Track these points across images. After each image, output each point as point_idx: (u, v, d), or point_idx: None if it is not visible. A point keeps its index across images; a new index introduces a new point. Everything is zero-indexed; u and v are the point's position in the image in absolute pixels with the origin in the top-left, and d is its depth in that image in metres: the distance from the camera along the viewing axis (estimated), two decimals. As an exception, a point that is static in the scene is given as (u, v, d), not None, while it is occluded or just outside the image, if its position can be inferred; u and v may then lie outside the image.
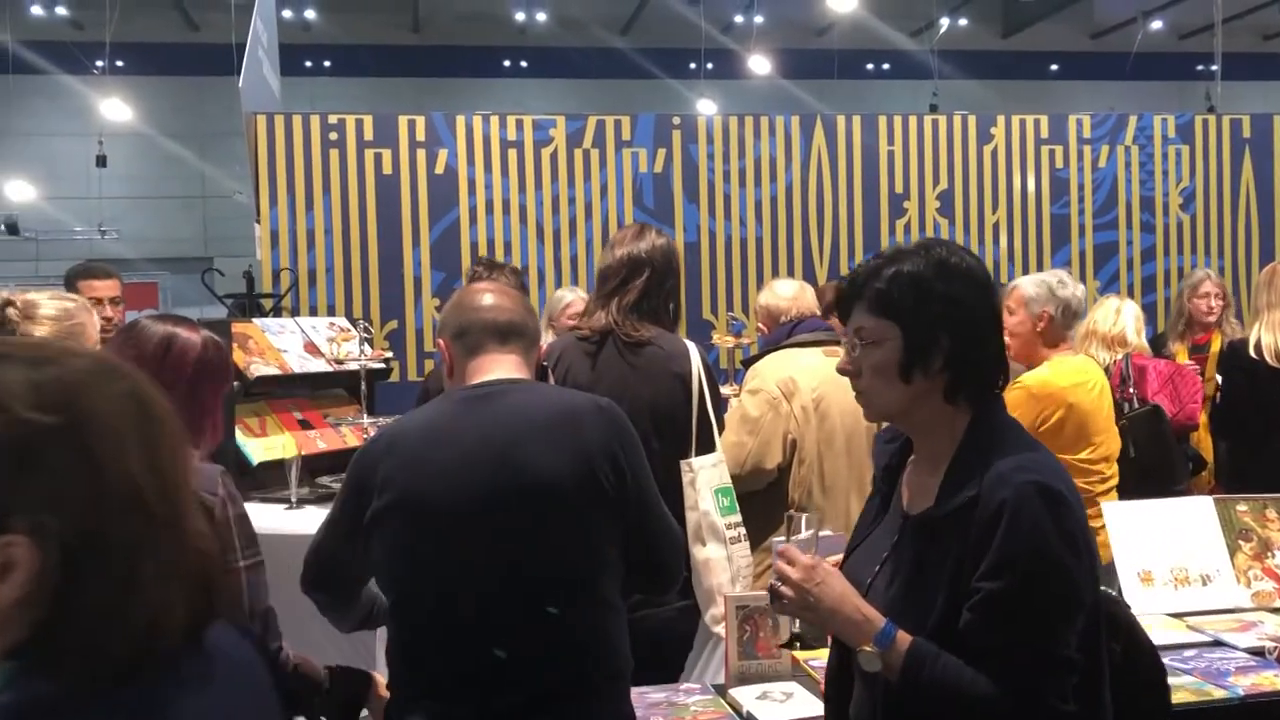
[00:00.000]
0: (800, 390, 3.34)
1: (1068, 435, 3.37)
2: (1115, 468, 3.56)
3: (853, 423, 3.40)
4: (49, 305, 2.72)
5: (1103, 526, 3.12)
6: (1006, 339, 3.39)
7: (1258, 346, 4.05)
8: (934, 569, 1.61)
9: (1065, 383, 3.41)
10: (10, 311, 2.66)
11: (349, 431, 4.06)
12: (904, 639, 1.60)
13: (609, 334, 2.94)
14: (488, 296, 2.12)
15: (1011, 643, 1.55)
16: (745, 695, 2.47)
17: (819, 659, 2.68)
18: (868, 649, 1.61)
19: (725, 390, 3.79)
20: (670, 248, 3.08)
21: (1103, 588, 1.71)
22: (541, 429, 1.98)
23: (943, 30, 17.99)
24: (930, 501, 1.66)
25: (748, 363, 3.66)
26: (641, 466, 2.07)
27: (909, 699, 1.61)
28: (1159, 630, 2.85)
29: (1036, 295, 3.43)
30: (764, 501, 3.19)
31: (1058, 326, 3.46)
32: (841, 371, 1.73)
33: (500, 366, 2.06)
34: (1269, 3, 16.95)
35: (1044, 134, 5.88)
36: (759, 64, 16.14)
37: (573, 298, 4.24)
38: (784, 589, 1.68)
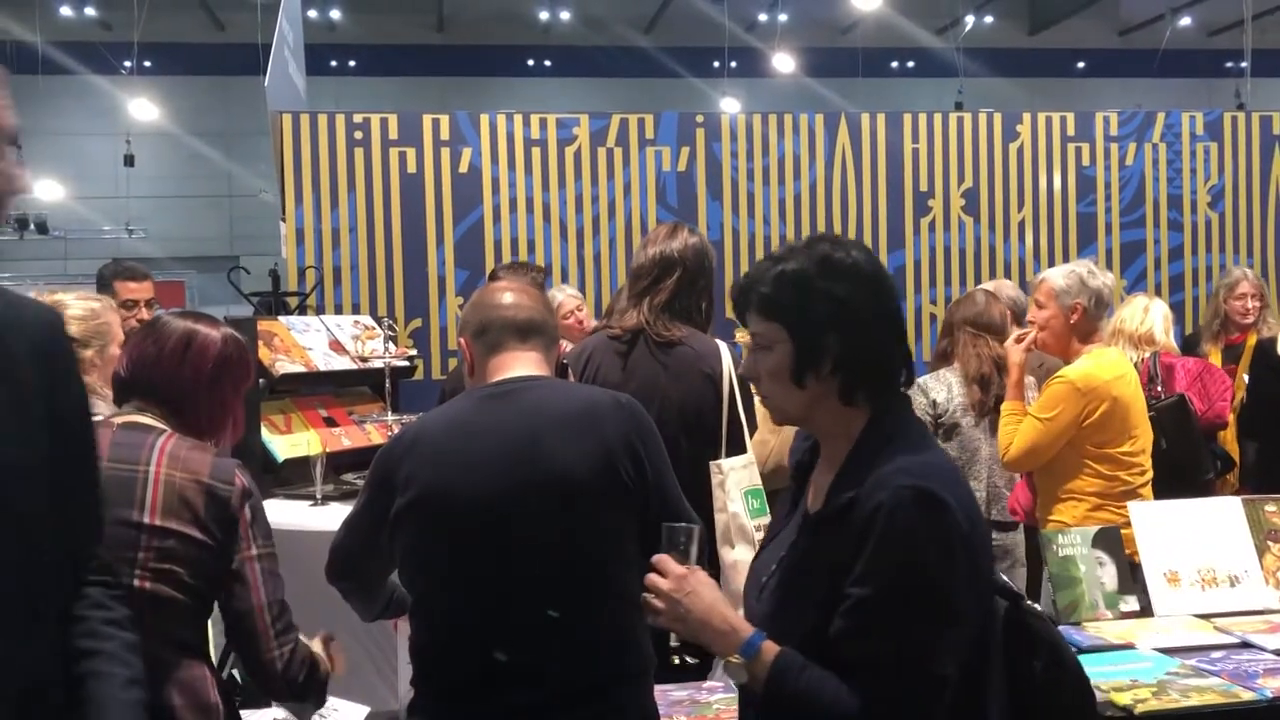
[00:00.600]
0: None
1: (1113, 429, 3.33)
2: (1150, 460, 3.53)
3: None
4: (76, 305, 2.75)
5: (1127, 524, 3.11)
6: (1038, 333, 3.37)
7: (1287, 345, 4.03)
8: (814, 573, 1.56)
9: (1109, 375, 3.37)
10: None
11: (373, 429, 4.08)
12: (770, 650, 1.55)
13: (640, 333, 2.94)
14: (508, 295, 2.14)
15: (877, 655, 1.48)
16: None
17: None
18: (734, 660, 1.57)
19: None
20: (703, 247, 3.07)
21: (1032, 603, 1.65)
22: (561, 424, 1.99)
23: (968, 27, 17.88)
24: (822, 503, 1.62)
25: None
26: (662, 461, 2.08)
27: (774, 712, 1.57)
28: (1185, 631, 2.82)
29: (1067, 287, 3.35)
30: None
31: (1090, 318, 3.40)
32: (743, 376, 1.70)
33: (521, 364, 2.07)
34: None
35: (1070, 132, 5.84)
36: (783, 62, 16.10)
37: (563, 297, 4.21)
38: (655, 601, 1.64)
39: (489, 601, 1.94)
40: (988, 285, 4.67)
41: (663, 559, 1.66)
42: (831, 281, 1.59)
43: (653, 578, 1.65)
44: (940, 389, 3.93)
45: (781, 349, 1.61)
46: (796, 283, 1.60)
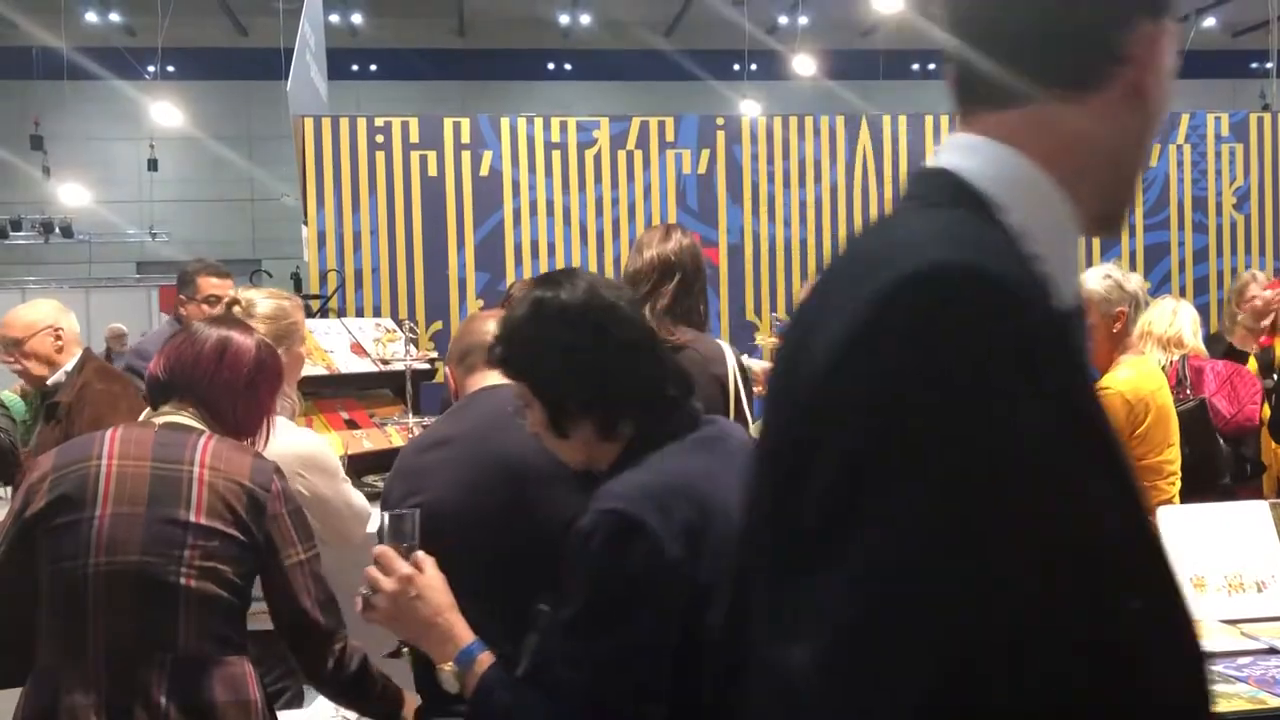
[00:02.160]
0: None
1: (1156, 438, 3.28)
2: (1179, 466, 3.49)
3: None
4: (265, 304, 2.80)
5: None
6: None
7: (1310, 349, 3.99)
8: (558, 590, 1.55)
9: (1154, 385, 3.31)
10: (236, 310, 2.79)
11: (395, 431, 4.09)
12: (484, 662, 1.54)
13: None
14: (489, 323, 2.22)
15: (564, 679, 1.46)
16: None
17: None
18: (447, 668, 1.55)
19: (759, 391, 3.78)
20: (696, 248, 3.07)
21: None
22: (506, 416, 2.06)
23: (990, 29, 17.77)
24: None
25: None
26: None
27: None
28: (1213, 637, 2.80)
29: (1109, 295, 3.23)
30: None
31: (1131, 324, 3.34)
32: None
33: (492, 377, 2.13)
34: (1326, -2, 16.61)
35: (1094, 133, 5.79)
36: (803, 65, 16.06)
37: None
38: (375, 599, 1.59)
39: (471, 600, 1.95)
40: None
41: (387, 553, 1.62)
42: (545, 329, 1.56)
43: (373, 573, 1.61)
44: None
45: (535, 405, 1.60)
46: (517, 338, 1.59)
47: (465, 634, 1.57)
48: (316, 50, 6.14)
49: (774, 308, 5.43)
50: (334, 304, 5.16)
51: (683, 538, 1.44)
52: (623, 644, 1.44)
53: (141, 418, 2.15)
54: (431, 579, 1.62)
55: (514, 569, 1.91)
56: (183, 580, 1.88)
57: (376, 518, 2.17)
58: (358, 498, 2.62)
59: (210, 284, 4.00)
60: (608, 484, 1.53)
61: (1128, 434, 3.20)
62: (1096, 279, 3.28)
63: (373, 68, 20.67)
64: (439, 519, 1.88)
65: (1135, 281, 3.31)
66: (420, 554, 1.64)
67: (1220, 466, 3.81)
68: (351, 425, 4.10)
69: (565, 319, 1.57)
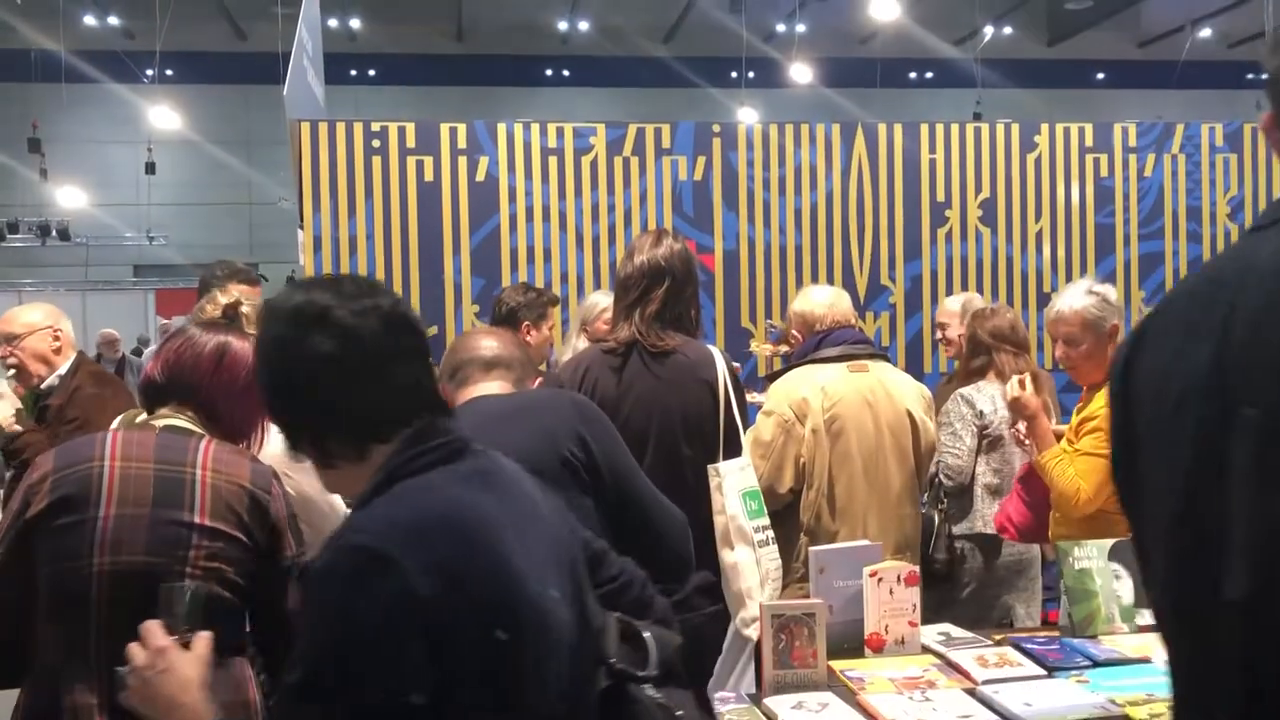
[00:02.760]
0: (813, 411, 3.32)
1: None
2: None
3: (874, 441, 3.36)
4: (249, 306, 2.86)
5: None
6: (1072, 367, 3.23)
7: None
8: None
9: None
10: (244, 309, 2.81)
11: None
12: None
13: (634, 345, 2.94)
14: (479, 339, 2.32)
15: None
16: (780, 705, 2.46)
17: (856, 669, 2.67)
18: None
19: (757, 398, 3.78)
20: (688, 253, 3.07)
21: (646, 679, 1.46)
22: (500, 418, 2.10)
23: (987, 38, 17.85)
24: None
25: (770, 378, 3.64)
26: (614, 445, 2.18)
27: None
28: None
29: (1101, 312, 3.18)
30: (780, 524, 3.18)
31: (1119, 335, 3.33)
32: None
33: (482, 389, 2.19)
34: (1322, 10, 16.67)
35: (1089, 142, 5.81)
36: (800, 73, 16.11)
37: (607, 301, 4.25)
38: (128, 676, 1.54)
39: None
40: (960, 298, 4.63)
41: (149, 627, 1.58)
42: (262, 362, 1.47)
43: (133, 648, 1.56)
44: (985, 400, 3.90)
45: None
46: (257, 375, 1.51)
47: (207, 712, 1.53)
48: (314, 54, 6.15)
49: (769, 315, 5.43)
50: (329, 308, 5.16)
51: (437, 574, 1.28)
52: (359, 705, 1.26)
53: (137, 419, 2.16)
54: (184, 655, 1.56)
55: None
56: (187, 581, 1.89)
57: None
58: (338, 496, 2.63)
59: (243, 290, 3.71)
60: (353, 516, 1.40)
61: None
62: (1080, 298, 3.20)
63: (371, 73, 20.70)
64: None
65: (1113, 293, 3.30)
66: (198, 635, 1.59)
67: None
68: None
69: (265, 351, 1.46)
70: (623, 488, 2.16)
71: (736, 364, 3.84)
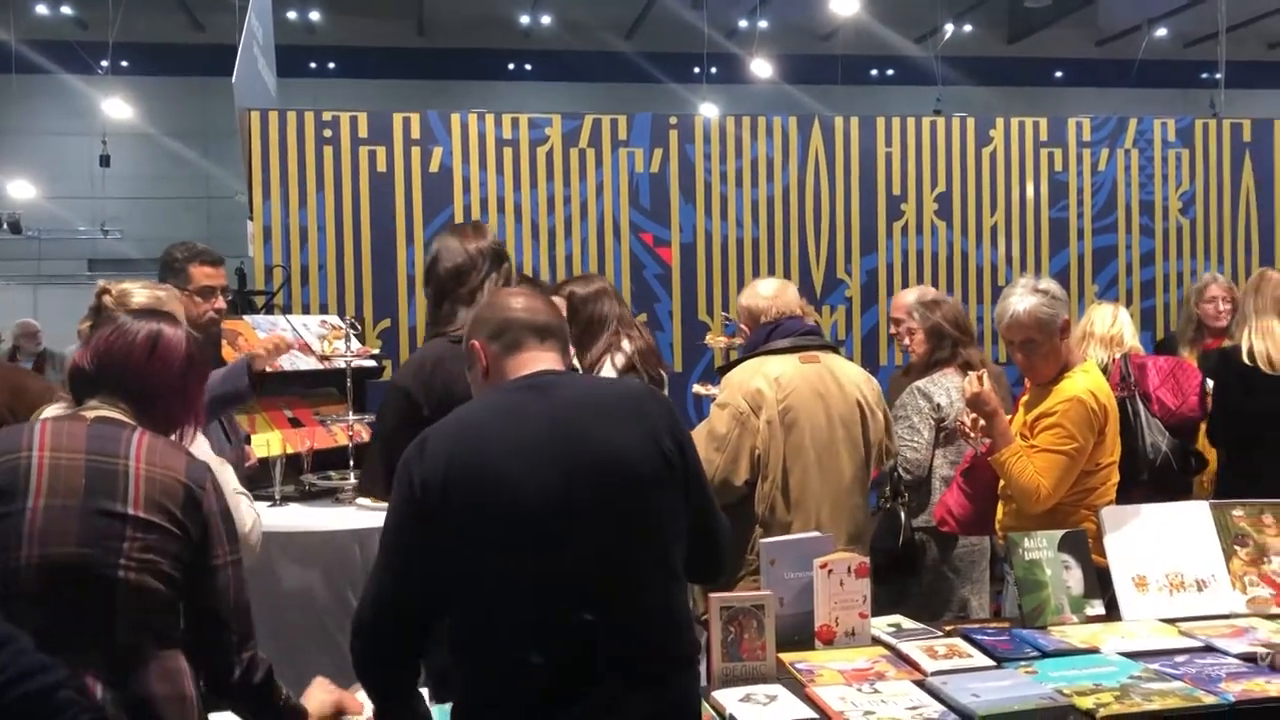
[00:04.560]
0: (768, 402, 3.30)
1: (1109, 441, 3.28)
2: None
3: (825, 432, 3.36)
4: (141, 294, 2.76)
5: (1094, 528, 3.09)
6: (1030, 368, 3.22)
7: (1250, 353, 4.03)
8: None
9: (1107, 389, 3.32)
10: (106, 299, 2.74)
11: (339, 429, 4.03)
12: None
13: None
14: (520, 299, 2.17)
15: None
16: (728, 697, 2.44)
17: (806, 661, 2.65)
18: None
19: (710, 390, 3.76)
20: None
21: None
22: (608, 410, 2.00)
23: (947, 36, 17.95)
24: None
25: (722, 370, 3.62)
26: (694, 448, 2.11)
27: None
28: (1150, 635, 2.81)
29: (1052, 310, 3.16)
30: (734, 516, 3.16)
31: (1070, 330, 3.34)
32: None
33: (543, 361, 2.08)
34: (1273, 11, 16.91)
35: (1043, 137, 5.85)
36: (761, 68, 16.13)
37: None
38: None
39: (558, 590, 1.89)
40: (913, 291, 4.62)
41: None
42: None
43: None
44: (941, 393, 3.90)
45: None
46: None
47: None
48: (265, 43, 6.06)
49: (726, 307, 5.42)
50: (279, 300, 5.09)
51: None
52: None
53: (58, 410, 2.09)
54: None
55: (591, 565, 1.90)
56: (120, 573, 1.87)
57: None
58: (248, 512, 2.56)
59: (204, 273, 3.51)
60: None
61: (1092, 441, 3.18)
62: (1030, 299, 3.18)
63: (330, 66, 20.49)
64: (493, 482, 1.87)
65: (1057, 287, 3.29)
66: None
67: (1139, 463, 3.83)
68: (295, 423, 4.04)
69: None
70: (700, 488, 2.12)
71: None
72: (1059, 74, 20.05)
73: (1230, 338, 4.43)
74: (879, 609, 3.00)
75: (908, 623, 2.94)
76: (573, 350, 2.59)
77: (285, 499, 3.49)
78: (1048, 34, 19.12)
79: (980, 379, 3.24)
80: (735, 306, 3.77)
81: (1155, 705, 2.37)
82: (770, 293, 3.55)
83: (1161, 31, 18.41)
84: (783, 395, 3.32)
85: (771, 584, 2.78)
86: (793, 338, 3.43)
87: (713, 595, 2.61)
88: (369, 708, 2.12)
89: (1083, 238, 5.86)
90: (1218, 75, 14.32)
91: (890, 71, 20.07)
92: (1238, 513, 3.14)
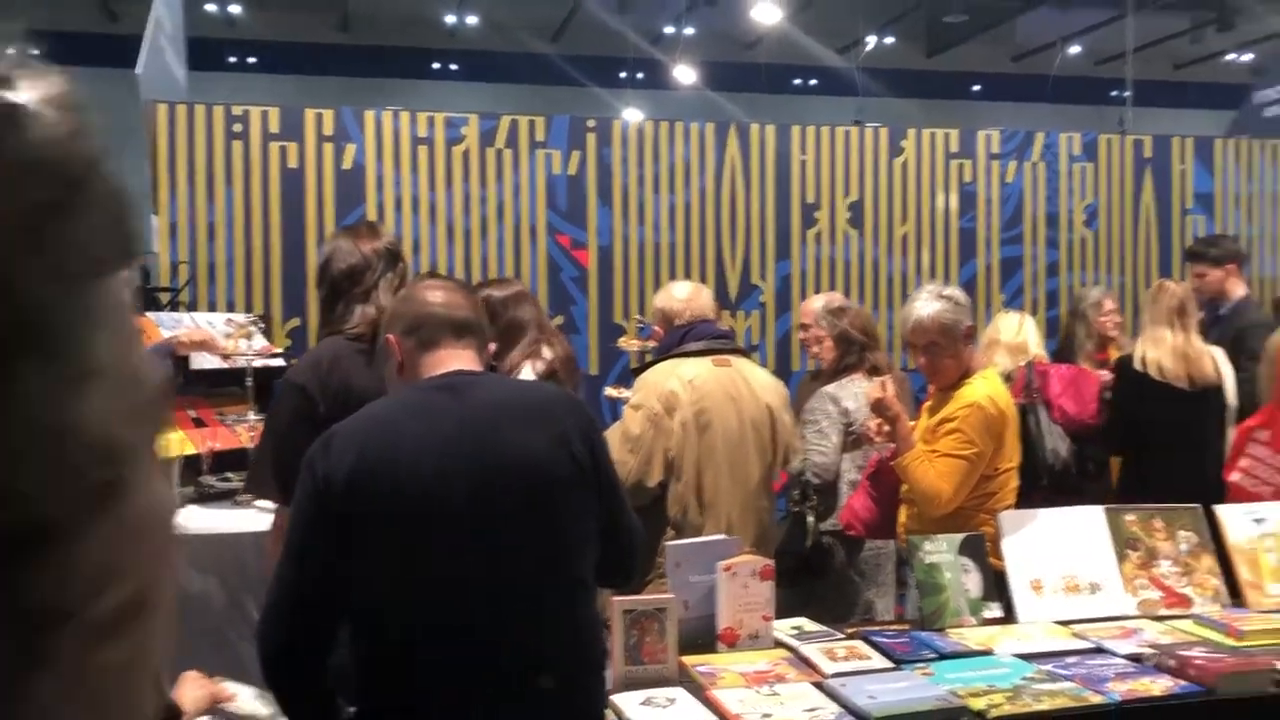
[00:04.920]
0: (682, 404, 3.32)
1: (1008, 447, 3.34)
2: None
3: (737, 435, 3.39)
4: None
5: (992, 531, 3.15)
6: (933, 372, 3.27)
7: (1143, 360, 4.15)
8: None
9: (1007, 395, 3.38)
10: None
11: (243, 430, 3.95)
12: None
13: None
14: (440, 293, 2.13)
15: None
16: (629, 701, 2.43)
17: (706, 664, 2.66)
18: None
19: (623, 393, 3.76)
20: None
21: None
22: (518, 414, 1.99)
23: (869, 48, 18.24)
24: None
25: (637, 372, 3.63)
26: (608, 454, 2.10)
27: None
28: (1043, 637, 2.87)
29: (956, 316, 3.22)
30: (646, 519, 3.16)
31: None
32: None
33: (459, 360, 2.05)
34: (1179, 34, 17.51)
35: (954, 148, 5.96)
36: (684, 74, 16.21)
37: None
38: None
39: (463, 597, 1.86)
40: (821, 298, 4.68)
41: None
42: None
43: None
44: (850, 398, 3.94)
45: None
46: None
47: None
48: (174, 34, 5.91)
49: (642, 311, 5.42)
50: (185, 297, 4.97)
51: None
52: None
53: None
54: None
55: (510, 562, 1.89)
56: None
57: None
58: None
59: None
60: None
61: (994, 443, 3.24)
62: (934, 304, 3.23)
63: (250, 60, 20.09)
64: (415, 482, 1.84)
65: (961, 294, 3.36)
66: None
67: (1038, 470, 3.92)
68: (199, 424, 3.95)
69: None
70: (611, 493, 2.09)
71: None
72: (976, 88, 20.49)
73: (1119, 348, 4.58)
74: (787, 612, 3.02)
75: (810, 625, 2.97)
76: (492, 348, 2.57)
77: (182, 501, 3.41)
78: (965, 49, 19.53)
79: (885, 384, 3.29)
80: (650, 309, 3.78)
81: (1045, 706, 2.42)
82: (685, 295, 3.58)
83: (1075, 49, 18.92)
84: (696, 397, 3.34)
85: (676, 587, 2.77)
86: (706, 341, 3.46)
87: (615, 598, 2.60)
88: (243, 691, 2.07)
89: (990, 248, 5.98)
90: (1126, 93, 14.77)
91: (813, 81, 20.33)
92: (1130, 517, 3.23)
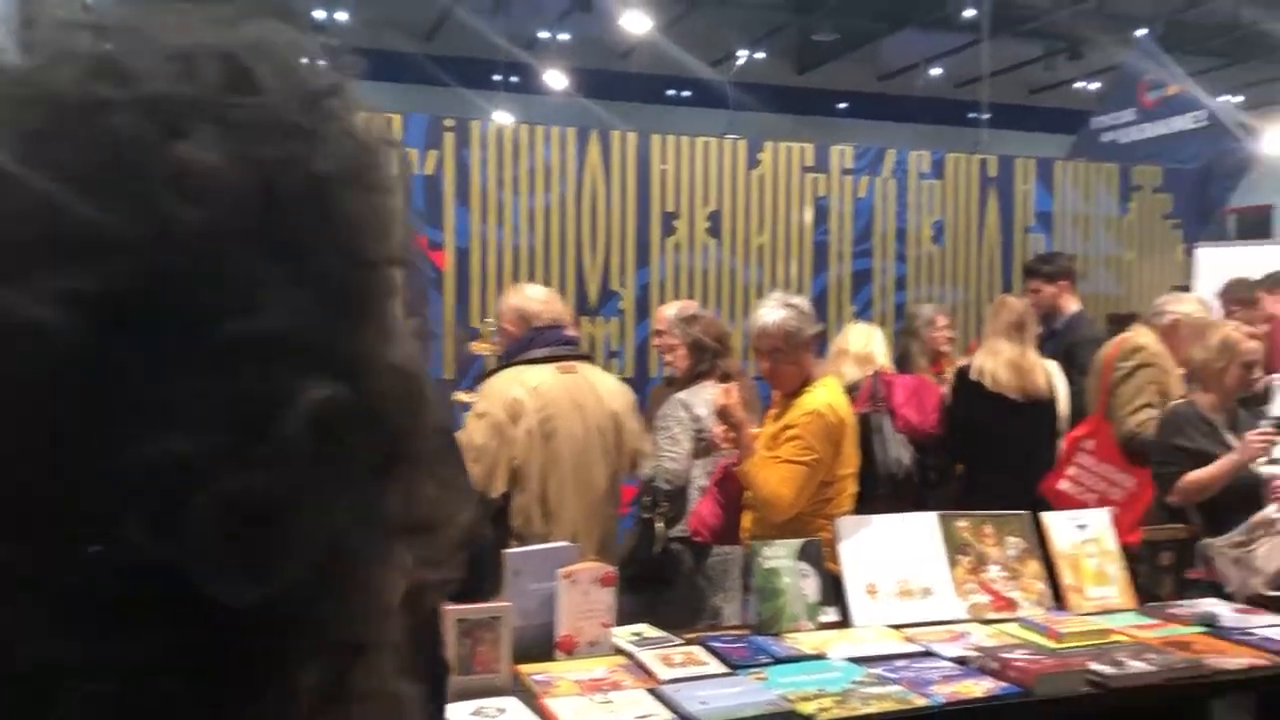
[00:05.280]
0: (527, 412, 3.29)
1: (847, 454, 3.40)
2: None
3: (582, 442, 3.37)
4: None
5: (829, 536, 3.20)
6: (775, 377, 3.32)
7: (980, 370, 4.31)
8: None
9: (846, 403, 3.44)
10: None
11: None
12: None
13: None
14: None
15: None
16: (459, 712, 2.38)
17: (542, 673, 2.63)
18: None
19: (466, 398, 3.71)
20: None
21: None
22: None
23: (740, 63, 18.53)
24: None
25: (481, 378, 3.58)
26: None
27: None
28: (875, 641, 2.93)
29: (800, 324, 3.30)
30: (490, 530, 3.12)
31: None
32: None
33: None
34: (1034, 60, 18.31)
35: (809, 162, 6.08)
36: (557, 80, 16.21)
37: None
38: None
39: None
40: (675, 305, 4.72)
41: None
42: None
43: None
44: (701, 405, 3.95)
45: None
46: None
47: None
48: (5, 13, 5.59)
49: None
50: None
51: None
52: None
53: None
54: None
55: None
56: None
57: None
58: None
59: None
60: None
61: (834, 451, 3.30)
62: (779, 312, 3.31)
63: (104, 47, 19.26)
64: None
65: (806, 303, 3.44)
66: None
67: (877, 480, 4.02)
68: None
69: None
70: None
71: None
72: (843, 105, 21.01)
73: (951, 363, 4.75)
74: (634, 618, 3.02)
75: (651, 631, 2.97)
76: None
77: None
78: (834, 67, 20.01)
79: (729, 391, 3.32)
80: (500, 306, 3.71)
81: (872, 709, 2.47)
82: (542, 297, 3.56)
83: (936, 71, 19.58)
84: (541, 404, 3.30)
85: (515, 595, 2.74)
86: (551, 347, 3.43)
87: (447, 608, 2.55)
88: None
89: (843, 260, 6.12)
90: (985, 115, 15.36)
91: (686, 93, 20.53)
92: (961, 523, 3.33)
